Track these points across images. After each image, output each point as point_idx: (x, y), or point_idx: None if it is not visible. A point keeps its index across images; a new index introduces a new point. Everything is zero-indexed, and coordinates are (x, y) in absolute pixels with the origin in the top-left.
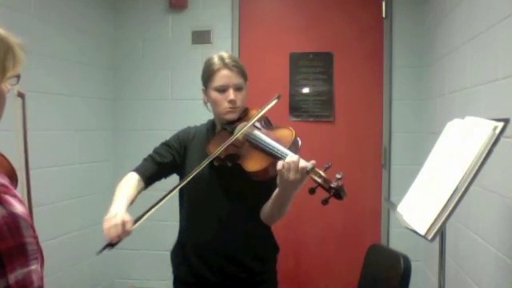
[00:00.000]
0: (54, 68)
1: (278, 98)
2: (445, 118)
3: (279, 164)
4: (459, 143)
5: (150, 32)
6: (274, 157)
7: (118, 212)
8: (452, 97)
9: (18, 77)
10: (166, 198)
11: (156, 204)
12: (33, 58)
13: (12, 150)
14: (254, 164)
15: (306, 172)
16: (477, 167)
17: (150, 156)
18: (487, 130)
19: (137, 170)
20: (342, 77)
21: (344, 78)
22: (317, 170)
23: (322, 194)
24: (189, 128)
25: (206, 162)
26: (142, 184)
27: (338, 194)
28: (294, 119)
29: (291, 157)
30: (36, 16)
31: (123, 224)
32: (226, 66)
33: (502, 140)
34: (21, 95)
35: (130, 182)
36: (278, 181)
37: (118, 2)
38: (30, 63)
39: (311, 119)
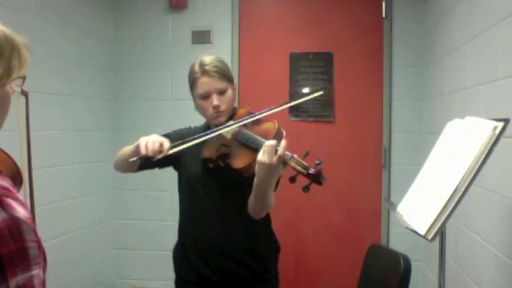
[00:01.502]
0: (54, 68)
1: (322, 90)
2: (445, 117)
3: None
4: (459, 143)
5: (150, 32)
6: (257, 151)
7: (155, 135)
8: (452, 97)
9: (24, 78)
10: (208, 137)
11: (196, 138)
12: (33, 58)
13: (15, 150)
14: (239, 161)
15: (283, 159)
16: (477, 167)
17: None
18: (487, 130)
19: None
20: (342, 77)
21: (344, 78)
22: (295, 157)
23: (303, 181)
24: (190, 127)
25: (214, 133)
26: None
27: (317, 179)
28: (294, 119)
29: (267, 141)
30: (36, 16)
31: (161, 143)
32: (205, 73)
33: (502, 140)
34: (24, 93)
35: None
36: (255, 167)
37: (118, 2)
38: (29, 63)
39: (311, 119)
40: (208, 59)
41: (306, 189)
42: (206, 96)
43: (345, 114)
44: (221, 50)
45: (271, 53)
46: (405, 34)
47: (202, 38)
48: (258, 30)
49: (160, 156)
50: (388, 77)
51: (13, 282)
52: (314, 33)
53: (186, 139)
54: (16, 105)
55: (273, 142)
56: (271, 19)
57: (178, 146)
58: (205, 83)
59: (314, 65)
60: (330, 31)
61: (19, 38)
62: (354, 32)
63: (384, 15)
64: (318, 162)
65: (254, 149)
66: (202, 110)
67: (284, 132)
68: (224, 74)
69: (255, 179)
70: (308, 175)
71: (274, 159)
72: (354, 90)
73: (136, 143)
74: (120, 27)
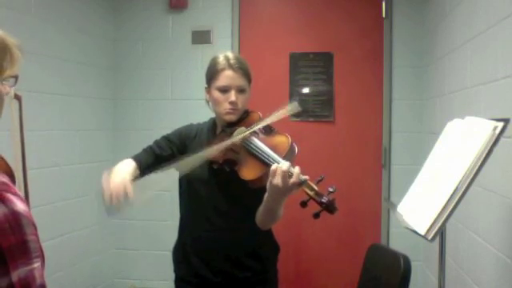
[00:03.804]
0: (54, 68)
1: (293, 108)
2: (445, 117)
3: (271, 169)
4: (459, 143)
5: (149, 32)
6: (268, 166)
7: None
8: (452, 97)
9: (16, 77)
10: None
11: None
12: (33, 58)
13: (9, 152)
14: (248, 172)
15: (297, 184)
16: (477, 167)
17: (149, 147)
18: (487, 130)
19: (134, 159)
20: (341, 77)
21: (344, 78)
22: (309, 183)
23: (313, 206)
24: (191, 125)
25: (203, 154)
26: (137, 172)
27: (328, 208)
28: (294, 119)
29: (282, 164)
30: (36, 16)
31: (124, 189)
32: (230, 66)
33: (502, 140)
34: (17, 97)
35: (129, 166)
36: (267, 185)
37: (118, 2)
38: (30, 63)
39: (311, 119)
40: (233, 55)
41: (316, 216)
42: (226, 90)
43: (345, 114)
44: (221, 50)
45: (271, 53)
46: (405, 34)
47: (202, 37)
48: (258, 30)
49: (128, 205)
50: (388, 77)
51: (15, 275)
52: (314, 33)
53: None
54: (10, 108)
55: (286, 167)
56: (271, 19)
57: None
58: (228, 76)
59: (314, 65)
60: (330, 31)
61: (11, 39)
62: (354, 32)
63: (384, 15)
64: (331, 189)
65: (265, 163)
66: (215, 103)
67: (296, 148)
68: (247, 73)
69: (266, 196)
70: (320, 203)
71: (287, 184)
72: (354, 90)
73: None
74: (120, 27)
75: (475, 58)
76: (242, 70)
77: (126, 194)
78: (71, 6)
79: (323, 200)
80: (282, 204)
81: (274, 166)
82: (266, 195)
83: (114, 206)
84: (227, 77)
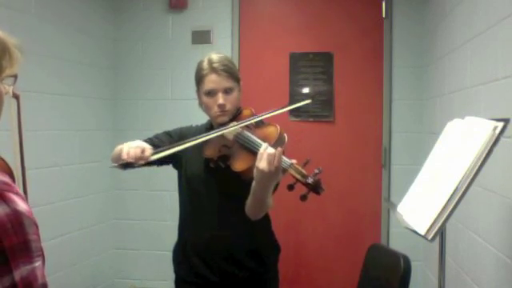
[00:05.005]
0: (53, 68)
1: (310, 99)
2: (445, 118)
3: (258, 153)
4: (459, 143)
5: (149, 32)
6: (257, 155)
7: (139, 141)
8: (452, 97)
9: (15, 77)
10: (191, 144)
11: (178, 145)
12: (33, 58)
13: (8, 151)
14: (240, 164)
15: (282, 167)
16: (477, 167)
17: (149, 138)
18: (487, 130)
19: None
20: (342, 77)
21: (344, 78)
22: (295, 165)
23: (301, 189)
24: (191, 126)
25: (213, 135)
26: None
27: (315, 189)
28: (294, 119)
29: (268, 148)
30: (36, 16)
31: (143, 150)
32: (213, 70)
33: (502, 140)
34: (16, 96)
35: None
36: (254, 172)
37: (118, 2)
38: (29, 63)
39: (311, 119)
40: (217, 57)
41: (303, 198)
42: (213, 93)
43: (345, 114)
44: (221, 50)
45: (271, 53)
46: (405, 34)
47: (202, 37)
48: (258, 30)
49: (141, 162)
50: (388, 77)
51: (17, 274)
52: (314, 33)
53: (175, 144)
54: (10, 107)
55: (271, 150)
56: (271, 19)
57: (162, 151)
58: (212, 81)
59: (314, 65)
60: (330, 31)
61: (10, 39)
62: (354, 32)
63: (384, 15)
64: (317, 171)
65: (255, 153)
66: (206, 108)
67: (286, 136)
68: (232, 73)
69: (253, 184)
70: (306, 184)
71: (273, 167)
72: (353, 90)
73: (120, 147)
74: (120, 27)
75: (475, 58)
76: (227, 72)
77: (143, 151)
78: (71, 6)
79: (308, 181)
80: (270, 192)
81: (261, 150)
82: (253, 183)
83: (131, 159)
84: (212, 81)
